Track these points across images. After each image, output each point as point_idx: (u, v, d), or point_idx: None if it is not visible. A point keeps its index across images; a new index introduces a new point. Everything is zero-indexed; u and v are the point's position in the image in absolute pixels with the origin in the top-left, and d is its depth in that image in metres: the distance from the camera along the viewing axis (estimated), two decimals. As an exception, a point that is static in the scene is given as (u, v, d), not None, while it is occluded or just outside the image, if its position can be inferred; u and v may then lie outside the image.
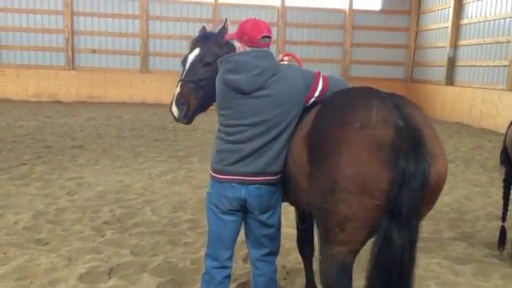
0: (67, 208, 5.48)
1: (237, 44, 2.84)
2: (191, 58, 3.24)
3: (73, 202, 5.70)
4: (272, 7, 17.88)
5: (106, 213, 5.39)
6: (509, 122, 4.25)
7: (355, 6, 17.99)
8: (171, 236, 4.77)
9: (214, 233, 2.93)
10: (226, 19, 3.30)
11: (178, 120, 3.26)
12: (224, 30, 3.26)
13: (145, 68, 17.36)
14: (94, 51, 17.11)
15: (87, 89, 16.49)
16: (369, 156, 2.24)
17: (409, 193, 2.18)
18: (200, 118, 3.51)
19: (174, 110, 3.21)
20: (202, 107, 3.28)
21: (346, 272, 2.44)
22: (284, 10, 17.80)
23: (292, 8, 17.80)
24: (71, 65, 16.98)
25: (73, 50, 16.98)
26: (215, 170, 2.83)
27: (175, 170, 7.42)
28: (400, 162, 2.18)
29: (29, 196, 5.85)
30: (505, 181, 4.31)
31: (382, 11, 18.12)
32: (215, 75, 2.89)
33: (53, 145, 8.99)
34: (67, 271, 3.89)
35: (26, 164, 7.40)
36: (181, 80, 3.23)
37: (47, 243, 4.48)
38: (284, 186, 2.85)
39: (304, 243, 3.48)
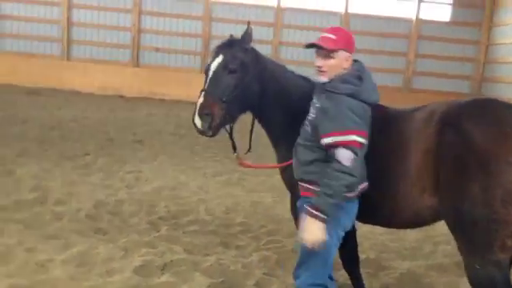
0: (126, 200, 5.67)
1: (342, 54, 2.68)
2: (214, 65, 3.02)
3: (131, 195, 5.89)
4: (335, 13, 17.70)
5: (162, 208, 5.52)
6: None
7: (422, 16, 17.45)
8: (224, 237, 4.81)
9: (330, 258, 2.80)
10: (249, 23, 3.08)
11: (201, 132, 3.01)
12: (247, 35, 3.06)
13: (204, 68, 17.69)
14: (157, 49, 17.65)
15: (149, 85, 17.04)
16: None
17: None
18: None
19: (197, 121, 2.96)
20: (229, 118, 3.06)
21: (507, 274, 2.60)
22: (347, 17, 17.56)
23: (356, 15, 17.52)
24: (136, 62, 17.63)
25: (138, 47, 17.62)
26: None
27: (229, 172, 7.49)
28: None
29: (91, 186, 6.12)
30: None
31: (451, 22, 17.46)
32: (240, 83, 2.92)
33: (115, 137, 9.36)
34: (123, 262, 4.02)
35: (89, 154, 7.75)
36: (203, 90, 3.00)
37: (106, 233, 4.66)
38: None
39: (349, 257, 3.49)
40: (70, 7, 17.28)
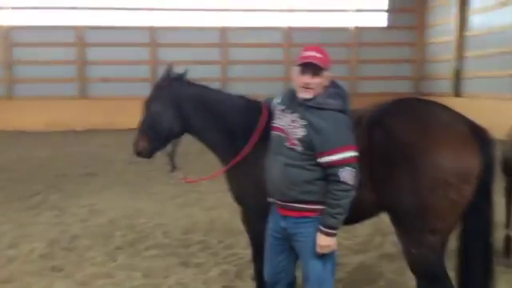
0: (80, 235, 5.60)
1: (326, 73, 2.71)
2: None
3: (86, 229, 5.82)
4: (278, 28, 18.20)
5: (118, 238, 5.49)
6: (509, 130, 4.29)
7: (361, 24, 18.26)
8: (183, 257, 4.85)
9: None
10: (170, 64, 3.51)
11: (138, 156, 3.57)
12: (165, 73, 3.46)
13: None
14: (105, 80, 17.51)
15: (99, 117, 16.80)
16: (463, 149, 2.66)
17: (492, 171, 2.75)
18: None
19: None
20: (156, 145, 3.52)
21: (441, 255, 2.81)
22: (290, 31, 18.09)
23: (298, 29, 18.08)
24: (83, 94, 17.39)
25: (84, 79, 17.41)
26: None
27: (186, 193, 7.53)
28: (486, 148, 2.69)
29: (43, 225, 5.99)
30: (506, 189, 4.34)
31: (388, 27, 18.35)
32: (156, 117, 3.38)
33: (66, 173, 9.19)
34: (81, 296, 3.98)
35: (39, 194, 7.57)
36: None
37: (62, 269, 4.59)
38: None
39: None
40: (9, 46, 16.90)
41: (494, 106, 13.55)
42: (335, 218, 2.62)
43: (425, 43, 18.20)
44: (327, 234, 2.64)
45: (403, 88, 18.39)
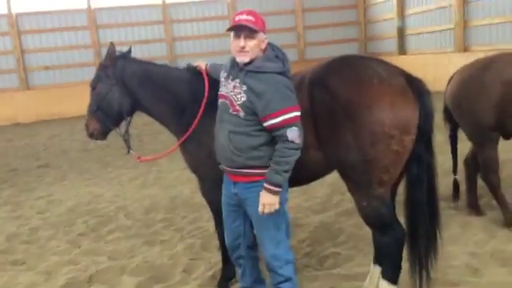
0: (40, 226, 5.48)
1: (261, 36, 2.71)
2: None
3: (45, 220, 5.70)
4: (222, 0, 17.93)
5: (80, 225, 5.43)
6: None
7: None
8: (147, 237, 4.86)
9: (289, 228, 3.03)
10: (111, 43, 3.54)
11: (91, 138, 3.67)
12: (108, 53, 3.47)
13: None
14: (46, 68, 16.77)
15: (45, 107, 16.15)
16: (400, 100, 2.72)
17: (430, 119, 2.84)
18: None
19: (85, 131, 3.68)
20: (107, 125, 3.57)
21: (390, 205, 2.93)
22: (234, 2, 17.86)
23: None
24: (26, 85, 16.61)
25: (25, 69, 16.60)
26: None
27: (144, 174, 7.47)
28: (423, 98, 2.79)
29: (-1, 220, 5.82)
30: (450, 136, 4.59)
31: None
32: (102, 97, 3.44)
33: (17, 167, 8.87)
34: (47, 285, 3.95)
35: (-9, 190, 7.30)
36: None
37: (24, 263, 4.51)
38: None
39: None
40: None
41: (437, 60, 14.06)
42: (281, 175, 2.63)
43: (367, 4, 18.47)
44: (271, 192, 2.65)
45: (352, 50, 18.64)
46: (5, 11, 16.29)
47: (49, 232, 5.27)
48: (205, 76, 3.30)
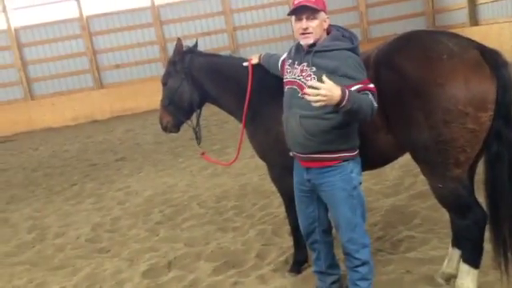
0: (121, 216, 5.84)
1: (323, 16, 2.70)
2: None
3: (125, 210, 6.07)
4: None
5: (157, 214, 5.71)
6: None
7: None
8: (220, 224, 5.03)
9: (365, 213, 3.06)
10: (179, 39, 3.62)
11: (165, 131, 3.85)
12: (175, 49, 3.58)
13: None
14: (117, 66, 17.62)
15: (118, 103, 17.02)
16: (474, 75, 2.58)
17: (510, 93, 2.62)
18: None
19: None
20: (180, 118, 3.73)
21: (468, 186, 2.82)
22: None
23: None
24: (99, 84, 17.59)
25: (98, 69, 17.57)
26: None
27: (213, 164, 7.62)
28: (499, 70, 2.61)
29: (85, 212, 6.27)
30: None
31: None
32: (173, 91, 3.59)
33: (97, 162, 9.47)
34: (131, 271, 4.22)
35: (76, 184, 7.87)
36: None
37: (109, 250, 4.85)
38: None
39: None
40: (19, 47, 17.13)
41: (513, 28, 13.06)
42: (353, 104, 2.41)
43: (434, -25, 17.50)
44: (338, 98, 2.36)
45: (418, 25, 17.74)
46: (76, 15, 17.29)
47: (129, 221, 5.61)
48: (250, 68, 3.37)
